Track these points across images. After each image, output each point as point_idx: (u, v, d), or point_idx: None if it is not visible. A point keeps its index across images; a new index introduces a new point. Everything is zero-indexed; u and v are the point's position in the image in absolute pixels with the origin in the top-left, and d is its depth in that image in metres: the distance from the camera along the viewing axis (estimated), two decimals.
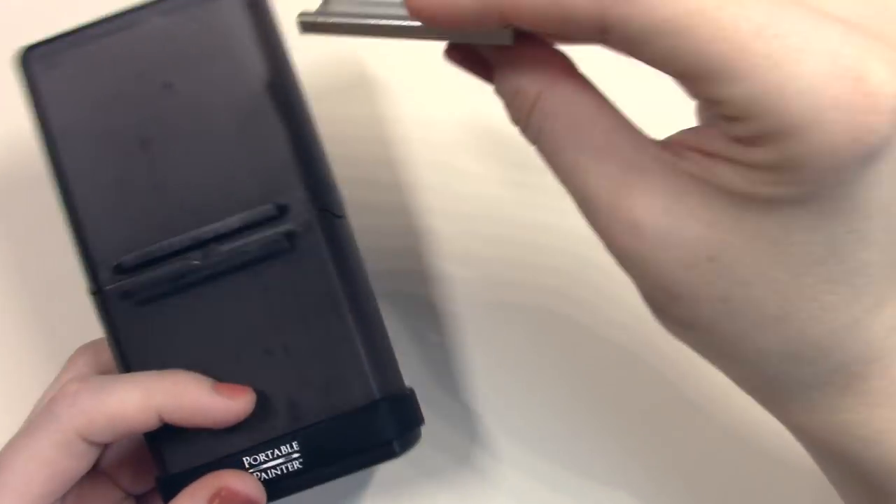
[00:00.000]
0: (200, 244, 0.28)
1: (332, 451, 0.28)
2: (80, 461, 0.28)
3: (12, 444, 0.28)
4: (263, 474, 0.28)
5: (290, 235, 0.28)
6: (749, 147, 0.20)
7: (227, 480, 0.28)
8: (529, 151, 0.24)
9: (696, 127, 0.24)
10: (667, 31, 0.20)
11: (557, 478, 0.35)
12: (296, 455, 0.28)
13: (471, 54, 0.24)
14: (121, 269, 0.29)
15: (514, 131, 0.24)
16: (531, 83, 0.23)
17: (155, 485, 0.32)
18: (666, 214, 0.22)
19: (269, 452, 0.28)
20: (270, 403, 0.28)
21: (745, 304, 0.22)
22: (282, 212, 0.28)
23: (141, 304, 0.29)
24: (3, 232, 0.38)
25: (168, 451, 0.29)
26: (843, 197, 0.20)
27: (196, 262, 0.28)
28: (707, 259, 0.22)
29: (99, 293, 0.29)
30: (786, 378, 0.23)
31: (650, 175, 0.22)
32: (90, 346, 0.31)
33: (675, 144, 0.23)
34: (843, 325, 0.22)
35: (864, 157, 0.19)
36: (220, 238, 0.28)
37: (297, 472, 0.28)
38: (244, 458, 0.28)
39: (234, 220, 0.28)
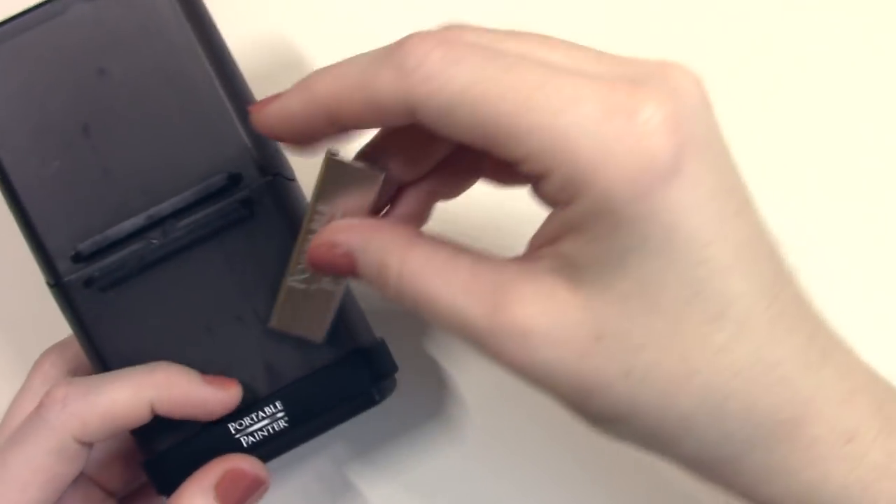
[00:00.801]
0: (157, 222, 0.29)
1: (315, 406, 0.29)
2: (74, 464, 0.28)
3: (3, 454, 0.27)
4: (251, 437, 0.29)
5: (245, 202, 0.29)
6: (567, 207, 0.22)
7: (232, 462, 0.28)
8: None
9: (540, 226, 0.25)
10: (462, 103, 0.21)
11: (525, 428, 0.36)
12: (280, 414, 0.29)
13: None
14: (79, 258, 0.29)
15: None
16: (392, 253, 0.25)
17: (134, 485, 0.32)
18: (544, 315, 0.22)
19: (253, 415, 0.29)
20: (248, 368, 0.29)
21: (649, 371, 0.22)
22: (234, 181, 0.29)
23: (104, 289, 0.29)
24: None
25: (153, 431, 0.29)
26: (670, 228, 0.21)
27: (155, 241, 0.29)
28: (596, 340, 0.22)
29: (59, 285, 0.29)
30: (724, 444, 0.23)
31: (518, 287, 0.23)
32: (54, 348, 0.31)
33: (530, 250, 0.24)
34: (747, 364, 0.22)
35: (660, 181, 0.21)
36: (176, 214, 0.29)
37: (284, 430, 0.29)
38: (230, 425, 0.29)
39: (188, 195, 0.29)
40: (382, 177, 0.26)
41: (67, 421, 0.27)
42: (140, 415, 0.27)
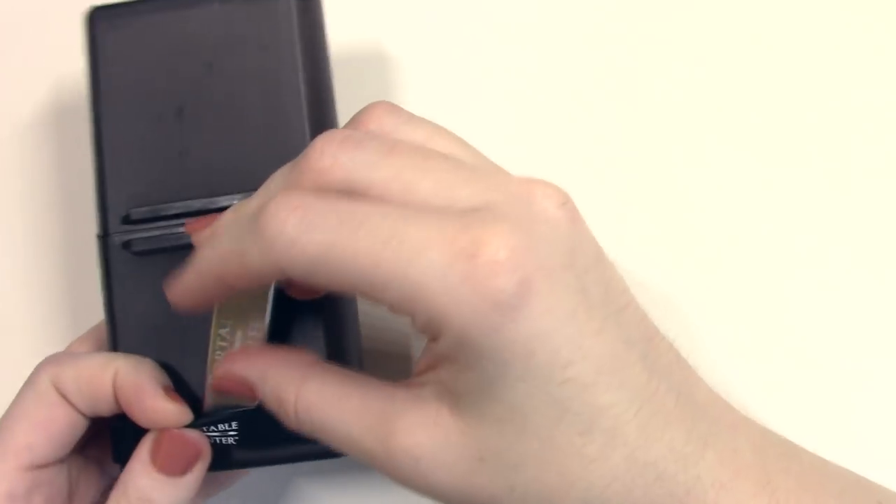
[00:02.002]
0: (207, 212, 0.30)
1: (267, 437, 0.29)
2: (56, 411, 0.29)
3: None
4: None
5: None
6: (436, 341, 0.24)
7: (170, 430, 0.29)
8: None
9: (422, 351, 0.27)
10: (322, 264, 0.23)
11: None
12: (232, 432, 0.30)
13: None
14: (128, 220, 0.31)
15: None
16: (287, 389, 0.26)
17: None
18: (431, 441, 0.24)
19: (207, 422, 0.30)
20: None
21: (530, 486, 0.24)
22: None
23: (138, 254, 0.31)
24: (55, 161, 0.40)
25: None
26: (526, 356, 0.23)
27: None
28: (479, 461, 0.24)
29: (104, 237, 0.31)
30: None
31: (406, 415, 0.25)
32: (52, 360, 0.32)
33: (416, 373, 0.26)
34: (622, 469, 0.24)
35: (508, 316, 0.22)
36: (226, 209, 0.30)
37: (230, 446, 0.30)
38: None
39: (244, 196, 0.30)
40: (272, 288, 0.29)
41: (47, 368, 0.29)
42: (103, 384, 0.29)
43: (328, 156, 0.24)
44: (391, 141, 0.25)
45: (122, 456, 0.30)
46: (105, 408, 0.30)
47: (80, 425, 0.30)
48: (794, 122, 0.38)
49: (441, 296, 0.22)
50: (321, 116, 0.31)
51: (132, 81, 0.31)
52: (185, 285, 0.27)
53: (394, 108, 0.26)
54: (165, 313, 0.30)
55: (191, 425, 0.29)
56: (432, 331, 0.23)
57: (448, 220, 0.23)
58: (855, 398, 0.35)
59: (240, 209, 0.26)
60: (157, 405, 0.29)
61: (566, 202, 0.24)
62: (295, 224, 0.23)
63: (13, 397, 0.30)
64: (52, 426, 0.29)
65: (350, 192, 0.24)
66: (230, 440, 0.30)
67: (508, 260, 0.22)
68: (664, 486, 0.24)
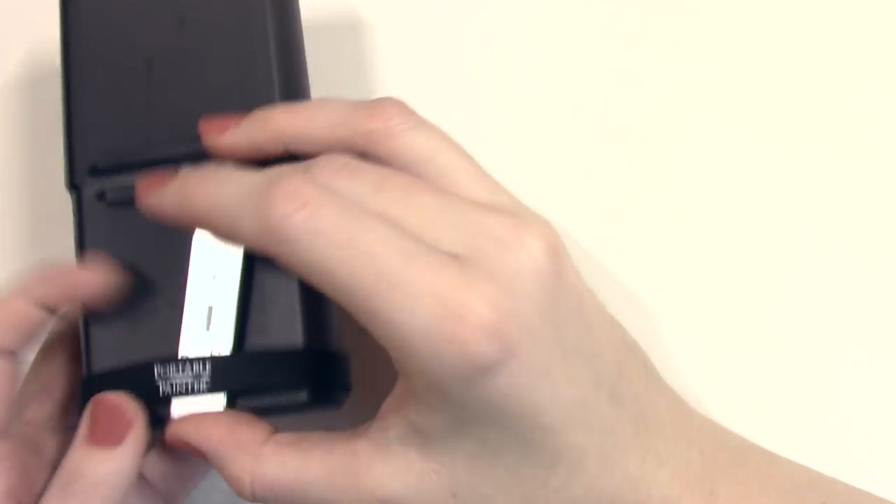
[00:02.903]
0: (177, 161, 0.30)
1: (242, 384, 0.29)
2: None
3: None
4: (169, 387, 0.29)
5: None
6: (408, 379, 0.24)
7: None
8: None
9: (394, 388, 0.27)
10: (313, 270, 0.24)
11: None
12: (205, 377, 0.29)
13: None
14: (95, 171, 0.31)
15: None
16: (240, 468, 0.27)
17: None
18: (404, 487, 0.25)
19: (179, 367, 0.29)
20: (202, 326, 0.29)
21: None
22: None
23: (112, 205, 0.30)
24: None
25: (94, 351, 0.30)
26: (499, 409, 0.24)
27: None
28: (452, 496, 0.25)
29: (76, 189, 0.31)
30: None
31: (375, 467, 0.25)
32: None
33: (382, 416, 0.26)
34: (582, 495, 0.25)
35: (485, 375, 0.23)
36: (197, 157, 0.30)
37: (200, 393, 0.29)
38: (156, 367, 0.29)
39: None
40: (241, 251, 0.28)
41: None
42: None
43: (325, 177, 0.25)
44: (383, 174, 0.25)
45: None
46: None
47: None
48: (793, 122, 0.38)
49: (423, 349, 0.23)
50: (290, 70, 0.31)
51: (103, 35, 0.31)
52: (163, 203, 0.27)
53: (404, 110, 0.27)
54: (140, 264, 0.30)
55: (167, 361, 0.29)
56: (407, 371, 0.24)
57: (440, 271, 0.23)
58: (853, 398, 0.35)
59: (246, 176, 0.26)
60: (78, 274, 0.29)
61: (552, 247, 0.24)
62: (300, 222, 0.24)
63: None
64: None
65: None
66: (203, 386, 0.29)
67: (492, 326, 0.23)
68: None
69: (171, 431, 0.28)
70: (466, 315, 0.23)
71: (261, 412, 0.29)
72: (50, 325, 0.30)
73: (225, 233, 0.26)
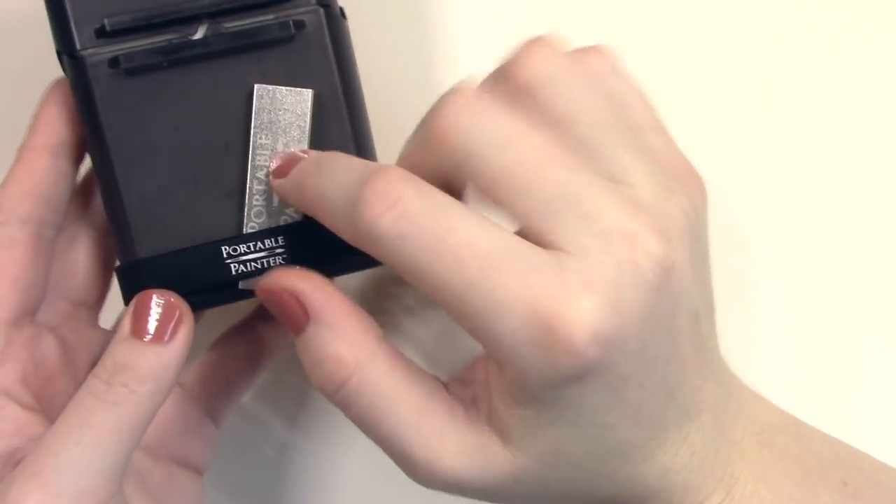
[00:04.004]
0: (197, 17, 0.27)
1: (318, 249, 0.27)
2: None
3: None
4: (242, 267, 0.26)
5: (297, 24, 0.27)
6: (492, 370, 0.24)
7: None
8: None
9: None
10: (404, 266, 0.23)
11: None
12: (280, 250, 0.27)
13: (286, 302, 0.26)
14: (103, 32, 0.26)
15: None
16: (350, 351, 0.25)
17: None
18: (478, 465, 0.25)
19: (251, 244, 0.26)
20: (256, 196, 0.27)
21: (551, 499, 0.26)
22: None
23: (130, 73, 0.26)
24: None
25: (137, 235, 0.26)
26: (578, 411, 0.24)
27: (194, 38, 0.26)
28: (513, 482, 0.25)
29: (76, 56, 0.26)
30: None
31: (460, 438, 0.25)
32: None
33: (470, 383, 0.26)
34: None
35: (572, 381, 0.23)
36: (223, 14, 0.27)
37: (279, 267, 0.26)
38: (223, 248, 0.26)
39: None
40: (311, 93, 0.26)
41: None
42: None
43: (452, 115, 0.24)
44: (528, 124, 0.24)
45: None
46: None
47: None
48: (794, 121, 0.37)
49: (513, 355, 0.23)
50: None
51: None
52: (284, 192, 0.26)
53: (557, 57, 0.25)
54: (172, 139, 0.26)
55: (235, 240, 0.27)
56: (492, 361, 0.24)
57: (535, 275, 0.23)
58: (855, 396, 0.36)
59: (353, 164, 0.25)
60: None
61: (665, 260, 0.23)
62: (387, 225, 0.23)
63: None
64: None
65: (456, 172, 0.24)
66: (279, 260, 0.27)
67: (584, 344, 0.22)
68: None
69: (278, 285, 0.25)
70: (559, 326, 0.22)
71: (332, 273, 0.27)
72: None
73: (325, 220, 0.25)
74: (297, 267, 0.26)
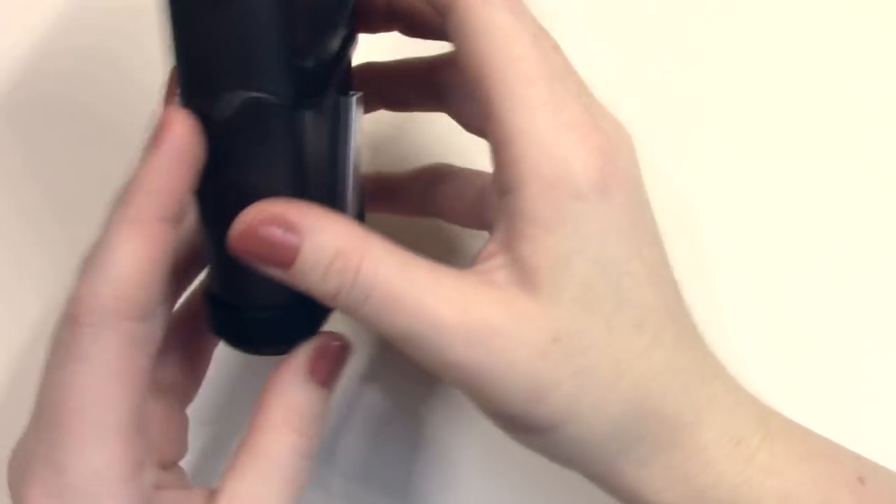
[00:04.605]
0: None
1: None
2: (146, 347, 0.25)
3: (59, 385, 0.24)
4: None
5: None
6: (517, 191, 0.24)
7: (319, 339, 0.28)
8: None
9: (488, 238, 0.26)
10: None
11: None
12: None
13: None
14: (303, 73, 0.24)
15: None
16: (350, 242, 0.24)
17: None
18: (510, 319, 0.24)
19: None
20: None
21: (592, 372, 0.25)
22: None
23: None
24: None
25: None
26: (604, 235, 0.24)
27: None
28: (552, 342, 0.24)
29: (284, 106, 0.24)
30: (636, 448, 0.25)
31: (481, 292, 0.24)
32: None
33: (483, 260, 0.25)
34: (661, 368, 0.25)
35: (597, 192, 0.24)
36: None
37: None
38: None
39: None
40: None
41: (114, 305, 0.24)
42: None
43: None
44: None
45: (220, 328, 0.27)
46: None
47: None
48: (792, 122, 0.39)
49: (552, 144, 0.24)
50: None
51: None
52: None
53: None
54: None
55: None
56: (517, 171, 0.24)
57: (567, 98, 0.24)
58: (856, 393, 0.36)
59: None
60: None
61: (633, 143, 0.26)
62: None
63: None
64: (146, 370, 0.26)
65: None
66: None
67: (609, 153, 0.24)
68: (686, 397, 0.26)
69: (251, 214, 0.24)
70: (590, 135, 0.24)
71: None
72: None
73: None
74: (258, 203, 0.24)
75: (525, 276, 0.24)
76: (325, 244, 0.24)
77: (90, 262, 0.24)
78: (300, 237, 0.24)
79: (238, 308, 0.27)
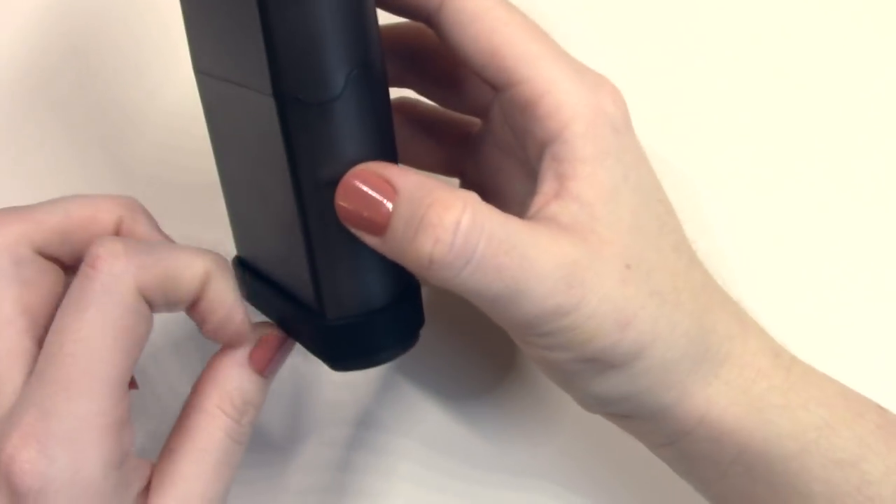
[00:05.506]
0: None
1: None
2: (146, 323, 0.25)
3: (64, 330, 0.24)
4: None
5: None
6: (561, 134, 0.25)
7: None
8: None
9: (539, 187, 0.26)
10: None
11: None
12: None
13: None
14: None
15: None
16: (453, 193, 0.24)
17: None
18: (583, 250, 0.24)
19: None
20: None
21: (661, 293, 0.25)
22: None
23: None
24: None
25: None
26: (637, 165, 0.26)
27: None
28: (626, 268, 0.25)
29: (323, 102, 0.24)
30: (701, 364, 0.26)
31: (562, 236, 0.24)
32: (14, 218, 0.26)
33: (539, 209, 0.25)
34: (702, 286, 0.26)
35: (624, 129, 0.26)
36: None
37: None
38: None
39: None
40: None
41: (136, 273, 0.24)
42: (192, 286, 0.26)
43: None
44: None
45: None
46: (178, 307, 0.26)
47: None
48: (793, 120, 0.38)
49: (581, 88, 0.25)
50: None
51: None
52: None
53: None
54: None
55: None
56: (559, 116, 0.25)
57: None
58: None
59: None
60: (240, 314, 0.27)
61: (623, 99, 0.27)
62: None
63: None
64: (142, 341, 0.25)
65: None
66: None
67: (618, 92, 0.26)
68: (727, 311, 0.27)
69: (354, 172, 0.24)
70: (598, 77, 0.26)
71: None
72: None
73: None
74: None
75: (586, 213, 0.25)
76: (424, 195, 0.24)
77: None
78: (395, 187, 0.24)
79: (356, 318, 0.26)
